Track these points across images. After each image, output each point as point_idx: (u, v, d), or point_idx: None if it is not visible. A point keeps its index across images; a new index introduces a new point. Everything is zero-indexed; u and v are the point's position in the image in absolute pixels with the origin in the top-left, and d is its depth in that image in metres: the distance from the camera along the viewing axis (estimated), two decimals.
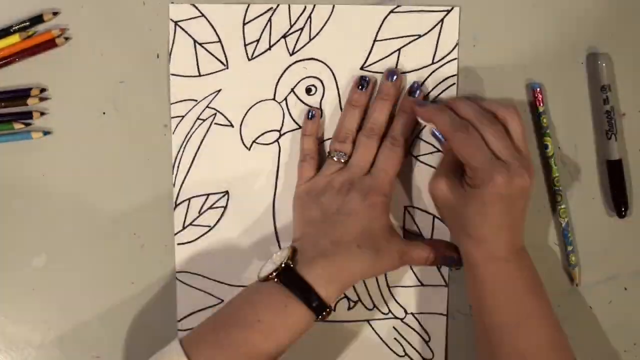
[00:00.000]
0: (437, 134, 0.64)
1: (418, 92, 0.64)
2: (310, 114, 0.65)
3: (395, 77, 0.64)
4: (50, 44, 0.65)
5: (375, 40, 0.65)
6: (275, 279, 0.57)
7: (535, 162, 0.66)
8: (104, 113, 0.67)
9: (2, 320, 0.69)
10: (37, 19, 0.65)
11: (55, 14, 0.66)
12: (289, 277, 0.57)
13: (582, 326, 0.67)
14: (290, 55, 0.66)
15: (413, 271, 0.67)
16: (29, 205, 0.68)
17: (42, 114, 0.67)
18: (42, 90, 0.66)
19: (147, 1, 0.66)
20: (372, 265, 0.60)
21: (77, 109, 0.67)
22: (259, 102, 0.66)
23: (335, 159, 0.63)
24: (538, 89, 0.64)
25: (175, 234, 0.67)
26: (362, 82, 0.64)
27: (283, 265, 0.58)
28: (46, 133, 0.67)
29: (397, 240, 0.62)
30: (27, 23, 0.65)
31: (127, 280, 0.68)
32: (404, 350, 0.68)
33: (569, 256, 0.66)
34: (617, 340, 0.67)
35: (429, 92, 0.65)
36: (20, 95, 0.66)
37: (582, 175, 0.66)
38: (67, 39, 0.66)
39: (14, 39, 0.65)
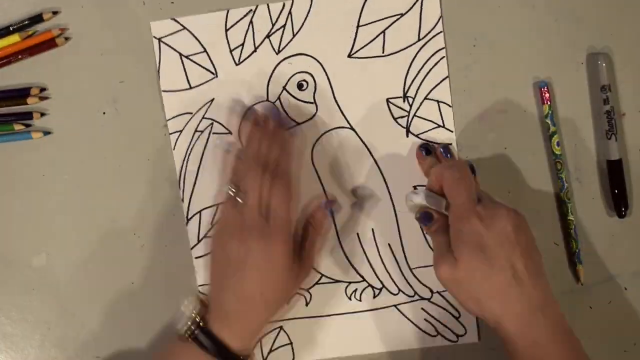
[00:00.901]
0: (423, 215, 0.61)
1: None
2: (226, 148, 0.65)
3: (278, 114, 0.65)
4: (50, 44, 0.65)
5: (358, 26, 0.65)
6: (189, 338, 0.60)
7: (541, 161, 0.66)
8: (104, 113, 0.67)
9: (2, 320, 0.69)
10: (37, 19, 0.65)
11: (55, 13, 0.66)
12: (203, 337, 0.59)
13: (582, 326, 0.67)
14: (277, 53, 0.66)
15: (432, 249, 0.66)
16: (29, 206, 0.68)
17: (42, 114, 0.67)
18: (42, 89, 0.66)
19: (147, 1, 0.66)
20: (281, 308, 0.62)
21: (77, 109, 0.67)
22: (253, 105, 0.66)
23: (231, 193, 0.61)
24: (545, 88, 0.64)
25: (192, 248, 0.67)
26: (251, 118, 0.65)
27: (195, 324, 0.60)
28: (46, 133, 0.67)
29: (296, 270, 0.61)
30: (27, 22, 0.65)
31: (127, 280, 0.68)
32: (436, 330, 0.67)
33: (576, 255, 0.66)
34: (617, 340, 0.68)
35: (419, 71, 0.65)
36: (20, 94, 0.66)
37: (582, 175, 0.66)
38: (67, 38, 0.66)
39: (14, 38, 0.65)
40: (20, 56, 0.66)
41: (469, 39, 0.65)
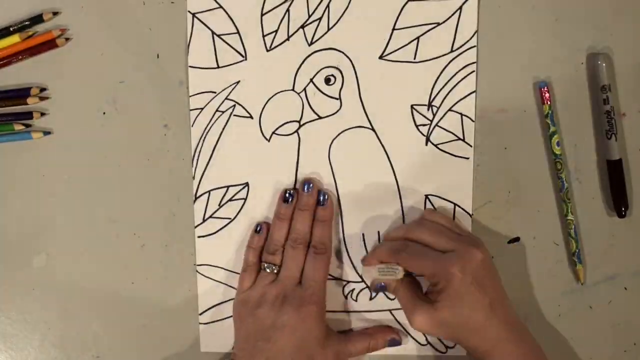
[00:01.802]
0: (378, 286, 0.64)
1: (325, 197, 0.65)
2: (257, 227, 0.66)
3: (310, 186, 0.65)
4: (50, 44, 0.65)
5: (393, 29, 0.65)
6: None
7: (541, 161, 0.66)
8: (104, 113, 0.67)
9: (2, 320, 0.69)
10: (37, 19, 0.65)
11: (55, 14, 0.66)
12: None
13: (582, 326, 0.67)
14: (309, 45, 0.66)
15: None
16: (29, 206, 0.68)
17: (42, 114, 0.67)
18: (42, 89, 0.66)
19: (147, 1, 0.66)
20: None
21: (77, 109, 0.67)
22: (278, 93, 0.66)
23: (267, 270, 0.65)
24: (545, 88, 0.64)
25: (196, 226, 0.67)
26: (286, 196, 0.65)
27: None
28: (46, 133, 0.67)
29: (333, 343, 0.64)
30: (27, 23, 0.65)
31: (127, 280, 0.68)
32: (427, 339, 0.68)
33: (576, 255, 0.66)
34: (617, 340, 0.68)
35: (447, 82, 0.65)
36: (20, 94, 0.66)
37: (582, 175, 0.66)
38: (67, 39, 0.66)
39: (14, 39, 0.65)
40: (20, 57, 0.66)
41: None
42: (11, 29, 0.65)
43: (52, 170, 0.67)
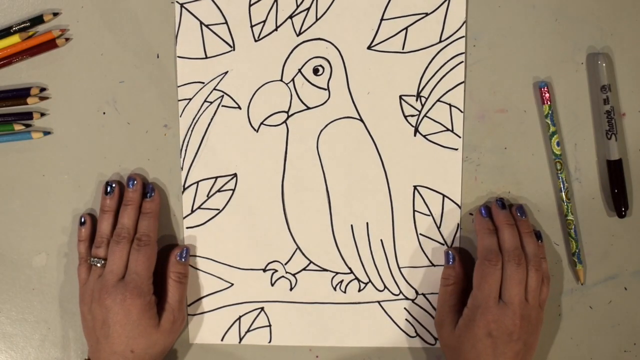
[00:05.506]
0: (450, 254, 0.65)
1: (152, 190, 0.66)
2: (82, 219, 0.66)
3: (134, 182, 0.65)
4: (50, 45, 0.65)
5: (382, 19, 0.65)
6: None
7: (541, 161, 0.66)
8: (104, 113, 0.67)
9: (2, 320, 0.69)
10: (38, 20, 0.65)
11: (55, 14, 0.66)
12: None
13: (582, 326, 0.67)
14: (297, 35, 0.66)
15: (424, 252, 0.67)
16: (29, 205, 0.68)
17: (42, 114, 0.67)
18: (42, 89, 0.66)
19: (147, 1, 0.66)
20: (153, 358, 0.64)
21: (77, 109, 0.67)
22: (266, 83, 0.66)
23: (96, 264, 0.64)
24: (545, 88, 0.64)
25: (184, 217, 0.67)
26: (107, 190, 0.65)
27: None
28: (46, 133, 0.67)
29: (167, 323, 0.64)
30: (28, 23, 0.65)
31: None
32: (416, 331, 0.68)
33: (576, 255, 0.66)
34: (617, 340, 0.67)
35: (435, 73, 0.65)
36: (20, 94, 0.66)
37: (582, 175, 0.66)
38: (67, 39, 0.66)
39: (15, 39, 0.65)
40: (20, 57, 0.66)
41: (469, 39, 0.65)
42: (12, 29, 0.65)
43: (52, 170, 0.67)
